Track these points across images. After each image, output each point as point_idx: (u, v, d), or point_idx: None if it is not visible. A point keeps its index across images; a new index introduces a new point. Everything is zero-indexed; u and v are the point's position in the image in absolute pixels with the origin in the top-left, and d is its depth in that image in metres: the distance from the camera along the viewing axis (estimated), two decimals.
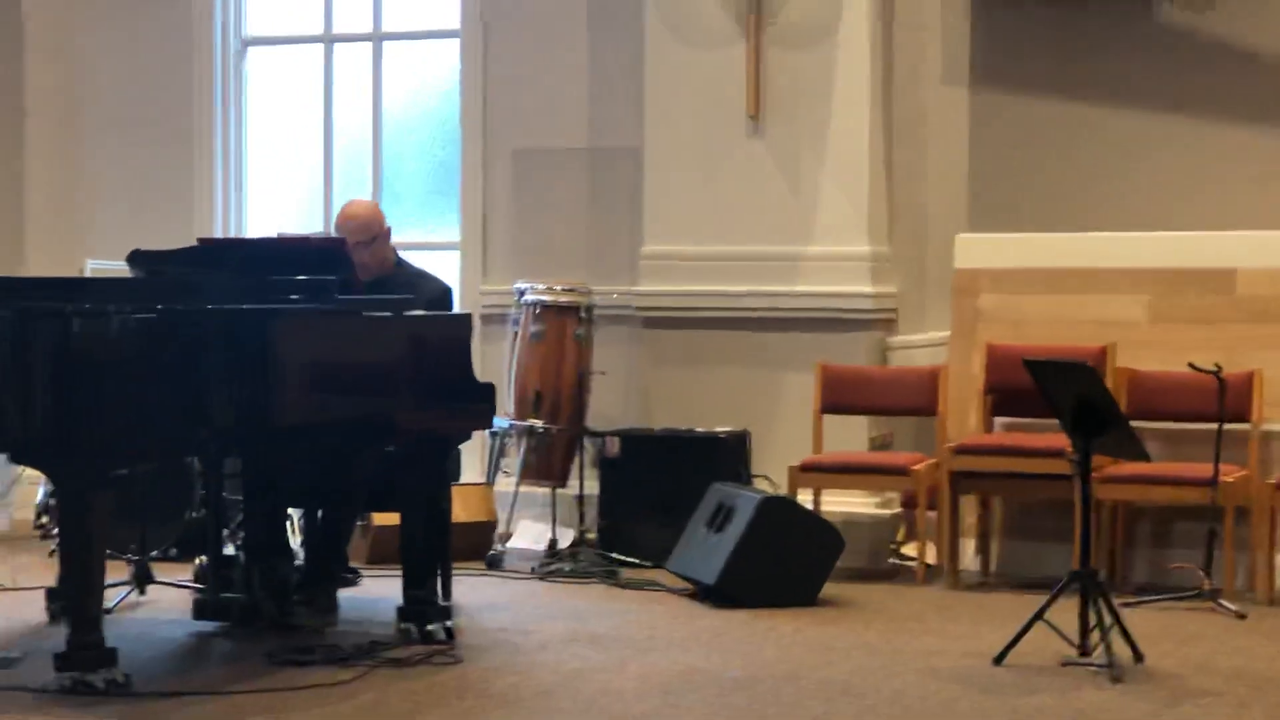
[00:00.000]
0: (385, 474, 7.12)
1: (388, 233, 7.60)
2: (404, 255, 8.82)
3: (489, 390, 7.13)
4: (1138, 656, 6.45)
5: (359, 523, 8.27)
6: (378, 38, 10.21)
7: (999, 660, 6.44)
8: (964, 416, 8.57)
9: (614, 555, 8.52)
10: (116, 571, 7.24)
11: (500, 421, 8.69)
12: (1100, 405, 6.39)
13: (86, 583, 5.90)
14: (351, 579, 7.89)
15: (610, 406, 9.26)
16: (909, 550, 8.69)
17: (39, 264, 10.02)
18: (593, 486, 8.77)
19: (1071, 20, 9.10)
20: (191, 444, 6.53)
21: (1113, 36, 9.06)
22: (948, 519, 8.22)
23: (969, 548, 8.46)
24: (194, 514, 8.31)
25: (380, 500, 7.48)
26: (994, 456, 8.16)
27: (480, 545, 8.62)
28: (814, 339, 8.82)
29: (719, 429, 8.73)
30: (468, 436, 7.25)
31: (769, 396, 8.92)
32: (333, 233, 7.57)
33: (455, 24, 9.94)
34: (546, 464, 8.88)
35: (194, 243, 7.27)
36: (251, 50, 10.44)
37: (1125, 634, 6.43)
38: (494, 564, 8.53)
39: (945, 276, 8.94)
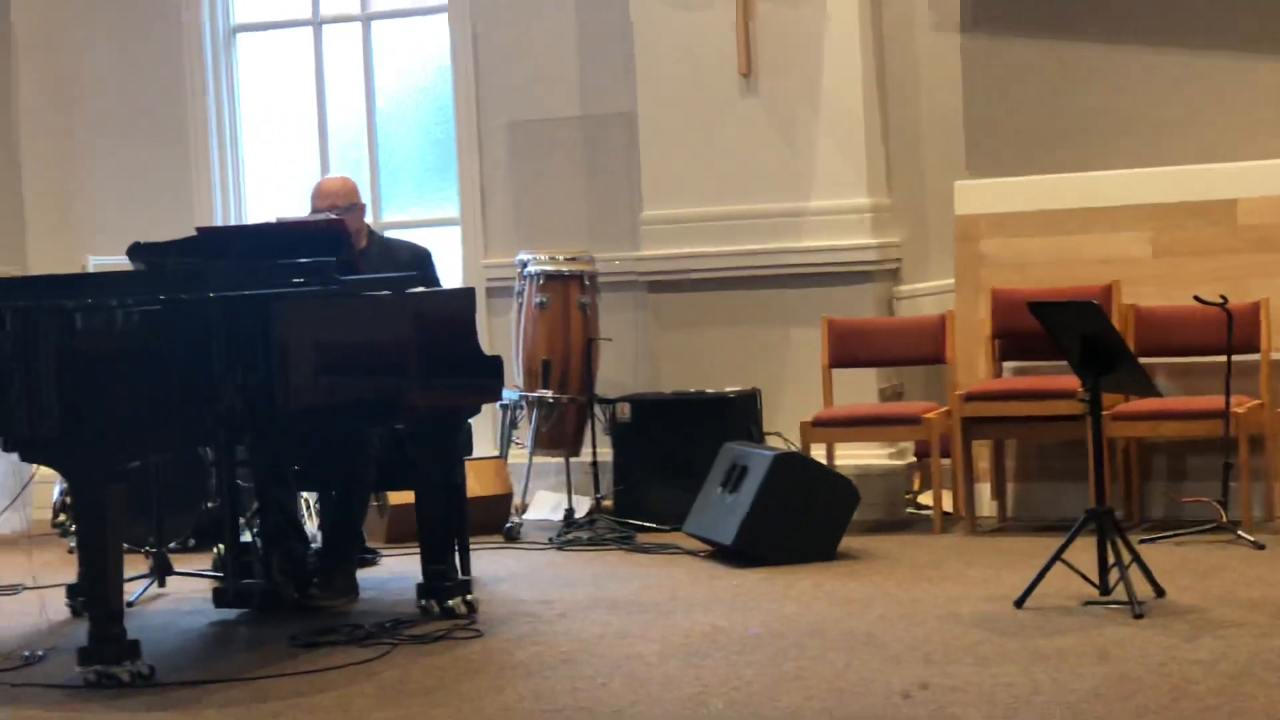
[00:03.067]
0: (398, 452, 7.13)
1: (363, 207, 7.81)
2: (405, 234, 8.83)
3: (497, 363, 7.13)
4: (1158, 592, 6.45)
5: (375, 503, 8.29)
6: (366, 18, 10.19)
7: (1020, 603, 6.44)
8: (973, 362, 8.56)
9: (630, 521, 8.53)
10: (136, 564, 7.27)
11: (510, 393, 8.71)
12: (1107, 342, 6.38)
13: (106, 576, 5.90)
14: (370, 559, 7.93)
15: (619, 372, 9.27)
16: (924, 499, 8.70)
17: (41, 263, 10.01)
18: (606, 453, 8.78)
19: None
20: (201, 433, 6.52)
21: None
22: (961, 466, 8.22)
23: (984, 493, 8.46)
24: (209, 503, 8.32)
25: (394, 479, 7.48)
26: (1005, 401, 8.15)
27: (497, 518, 8.62)
28: (819, 293, 8.82)
29: (728, 389, 8.73)
30: (478, 410, 7.23)
31: (777, 353, 8.92)
32: (311, 211, 7.65)
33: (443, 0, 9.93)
34: (558, 433, 8.90)
35: (193, 232, 7.25)
36: (240, 36, 10.41)
37: (1144, 570, 6.43)
38: (511, 536, 8.53)
39: (946, 224, 8.92)
